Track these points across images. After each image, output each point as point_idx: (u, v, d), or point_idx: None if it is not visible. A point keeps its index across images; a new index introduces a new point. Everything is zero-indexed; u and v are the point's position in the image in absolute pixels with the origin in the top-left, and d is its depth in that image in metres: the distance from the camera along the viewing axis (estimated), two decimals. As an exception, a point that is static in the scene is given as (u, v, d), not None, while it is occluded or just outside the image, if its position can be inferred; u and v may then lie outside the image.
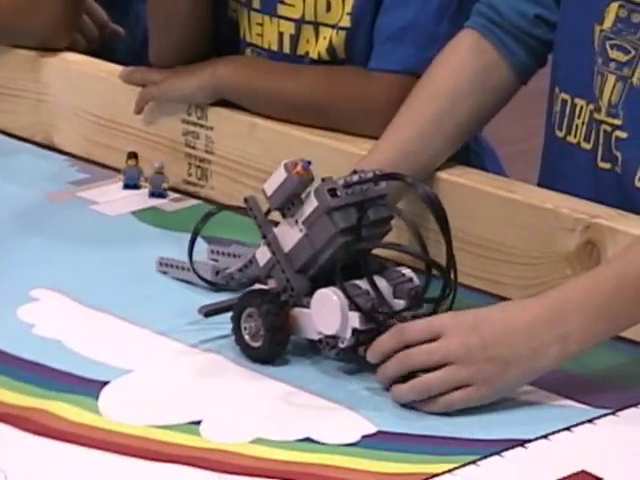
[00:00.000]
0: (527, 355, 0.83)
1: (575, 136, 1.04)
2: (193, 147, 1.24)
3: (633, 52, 0.98)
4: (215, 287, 1.00)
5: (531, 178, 1.14)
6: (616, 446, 0.81)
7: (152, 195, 1.23)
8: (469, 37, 1.08)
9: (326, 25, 1.17)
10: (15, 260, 1.08)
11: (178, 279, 1.03)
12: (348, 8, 1.16)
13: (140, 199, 1.23)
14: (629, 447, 0.81)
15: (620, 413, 0.85)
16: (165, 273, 1.04)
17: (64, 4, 1.36)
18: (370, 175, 0.90)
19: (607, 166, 1.01)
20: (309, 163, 0.90)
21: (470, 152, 1.20)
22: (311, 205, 0.89)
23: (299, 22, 1.18)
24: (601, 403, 0.86)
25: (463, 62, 1.07)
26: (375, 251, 0.94)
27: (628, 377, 0.91)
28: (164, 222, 1.18)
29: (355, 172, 0.90)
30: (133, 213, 1.20)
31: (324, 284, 0.88)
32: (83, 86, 1.34)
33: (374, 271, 0.89)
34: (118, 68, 1.32)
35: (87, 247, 1.12)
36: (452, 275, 0.88)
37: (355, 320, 0.86)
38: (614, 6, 0.98)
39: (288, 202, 0.90)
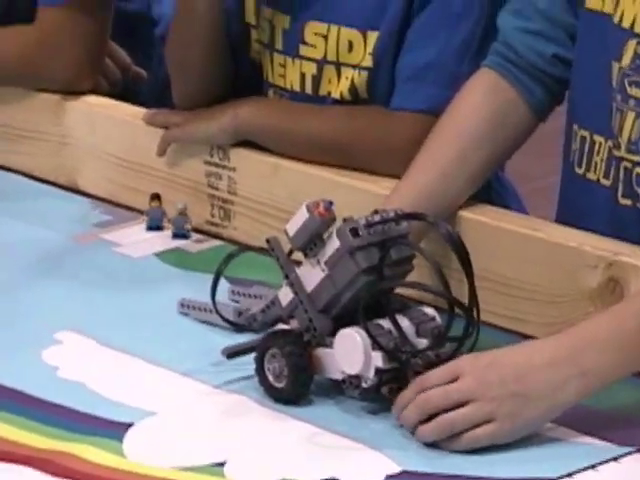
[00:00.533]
0: (547, 391, 0.83)
1: (595, 173, 1.04)
2: (216, 188, 1.25)
3: None
4: (237, 328, 1.01)
5: (549, 215, 1.14)
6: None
7: (175, 236, 1.24)
8: (487, 76, 1.09)
9: (348, 65, 1.18)
10: (39, 302, 1.09)
11: (200, 320, 1.03)
12: (370, 48, 1.17)
13: (163, 240, 1.23)
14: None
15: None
16: (187, 315, 1.05)
17: (87, 47, 1.37)
18: (392, 215, 0.90)
19: (628, 202, 1.00)
20: (331, 203, 0.91)
21: (491, 190, 1.21)
22: (333, 245, 0.89)
23: (321, 62, 1.19)
24: (624, 440, 0.85)
25: (482, 101, 1.08)
26: (397, 290, 0.94)
27: None
28: (187, 263, 1.18)
29: (376, 212, 0.91)
30: (156, 254, 1.21)
31: (347, 323, 0.88)
32: (106, 128, 1.36)
33: (396, 310, 0.90)
34: (141, 110, 1.33)
35: (110, 289, 1.12)
36: (474, 314, 0.88)
37: (378, 360, 0.86)
38: (632, 43, 0.99)
39: (310, 242, 0.91)
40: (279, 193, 1.18)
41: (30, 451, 0.83)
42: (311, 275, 0.91)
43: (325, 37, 1.19)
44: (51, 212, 1.33)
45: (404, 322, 0.89)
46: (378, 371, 0.86)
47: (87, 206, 1.34)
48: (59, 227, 1.27)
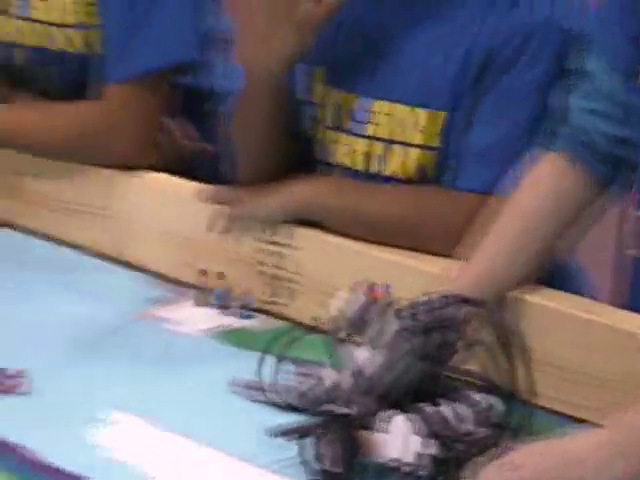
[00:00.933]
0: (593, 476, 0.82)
1: None
2: (277, 267, 1.24)
3: None
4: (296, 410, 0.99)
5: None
6: None
7: (233, 314, 1.23)
8: (557, 161, 1.09)
9: (410, 145, 1.19)
10: (89, 381, 1.08)
11: (255, 400, 1.02)
12: (436, 128, 1.17)
13: (219, 318, 1.23)
14: None
15: None
16: (241, 394, 1.03)
17: (148, 124, 1.39)
18: (449, 299, 0.90)
19: None
20: (388, 286, 0.91)
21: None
22: (391, 328, 0.88)
23: (388, 142, 1.20)
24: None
25: (550, 184, 1.09)
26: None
27: None
28: (244, 342, 1.17)
29: (433, 295, 0.91)
30: (210, 332, 1.20)
31: (401, 407, 0.87)
32: (160, 204, 1.37)
33: (447, 395, 0.89)
34: (196, 186, 1.34)
35: (163, 367, 1.11)
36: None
37: (432, 448, 0.84)
38: None
39: (365, 325, 0.90)
40: (341, 273, 1.16)
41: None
42: (367, 358, 0.90)
43: (389, 115, 1.20)
44: (102, 287, 1.33)
45: (462, 409, 0.88)
46: (434, 459, 0.85)
47: (139, 281, 1.35)
48: (110, 302, 1.27)
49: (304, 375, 1.03)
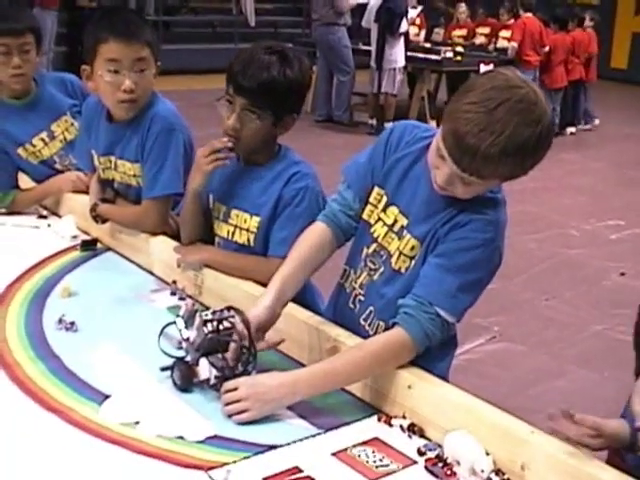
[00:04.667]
0: (275, 397, 1.76)
1: None
2: (196, 280, 2.38)
3: None
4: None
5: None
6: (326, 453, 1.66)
7: (180, 298, 2.35)
8: (319, 224, 2.03)
9: (247, 230, 2.34)
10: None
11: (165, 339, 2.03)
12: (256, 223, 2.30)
13: (173, 299, 2.39)
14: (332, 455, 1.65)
15: (328, 432, 1.74)
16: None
17: (164, 219, 2.71)
18: (230, 309, 1.87)
19: None
20: (194, 303, 1.90)
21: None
22: (198, 321, 1.86)
23: (235, 227, 2.42)
24: (321, 424, 1.76)
25: (314, 238, 2.02)
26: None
27: (339, 410, 1.80)
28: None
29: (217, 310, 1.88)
30: (166, 306, 2.33)
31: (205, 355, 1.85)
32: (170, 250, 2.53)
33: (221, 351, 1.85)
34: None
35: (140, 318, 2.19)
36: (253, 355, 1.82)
37: (213, 373, 1.83)
38: None
39: (192, 319, 1.90)
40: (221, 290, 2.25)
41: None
42: (193, 334, 1.89)
43: (237, 216, 2.32)
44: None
45: (228, 356, 1.85)
46: (216, 377, 1.83)
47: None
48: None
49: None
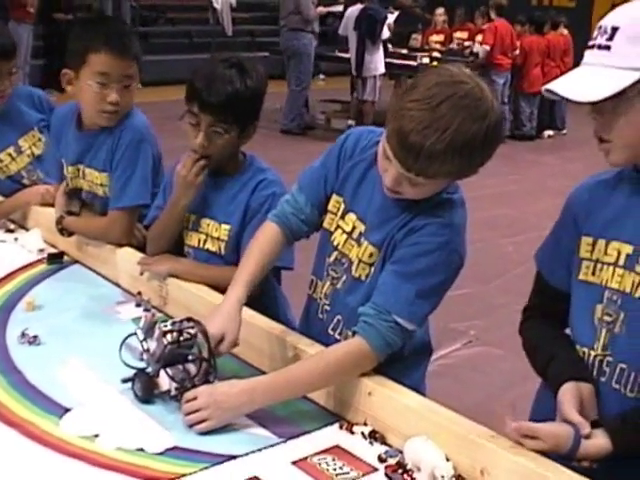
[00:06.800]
0: (233, 405, 1.75)
1: None
2: (161, 291, 2.34)
3: None
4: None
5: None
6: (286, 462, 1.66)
7: (144, 308, 2.32)
8: (271, 224, 2.03)
9: (218, 239, 2.37)
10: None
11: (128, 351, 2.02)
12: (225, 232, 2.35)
13: (137, 310, 2.34)
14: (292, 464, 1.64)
15: (289, 441, 1.74)
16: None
17: (130, 230, 2.69)
18: (184, 320, 1.86)
19: None
20: (154, 314, 1.89)
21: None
22: (157, 332, 1.86)
23: (206, 235, 2.46)
24: (280, 433, 1.75)
25: (268, 235, 2.02)
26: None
27: (300, 419, 1.79)
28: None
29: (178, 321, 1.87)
30: (132, 317, 2.29)
31: (165, 366, 1.85)
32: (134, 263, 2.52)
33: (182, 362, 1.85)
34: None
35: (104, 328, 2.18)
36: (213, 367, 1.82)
37: (173, 384, 1.82)
38: None
39: (151, 330, 1.89)
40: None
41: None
42: (154, 345, 1.88)
43: (208, 225, 2.34)
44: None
45: (189, 366, 1.84)
46: (176, 389, 1.83)
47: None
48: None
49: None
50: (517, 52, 11.21)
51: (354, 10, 10.33)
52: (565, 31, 11.91)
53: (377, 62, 10.39)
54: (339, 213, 1.95)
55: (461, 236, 1.81)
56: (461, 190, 1.85)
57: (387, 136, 1.71)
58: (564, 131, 12.04)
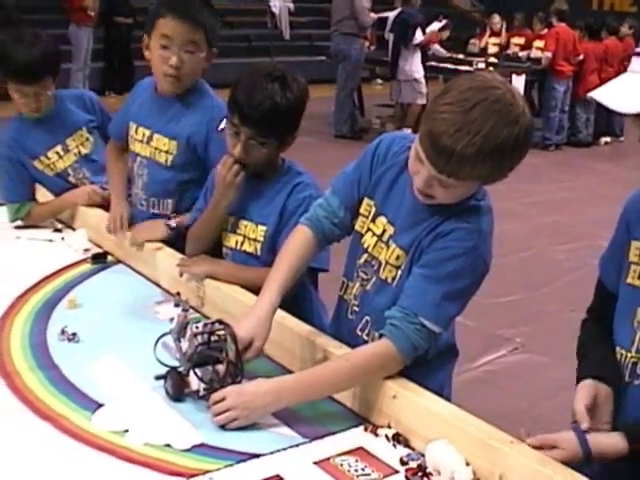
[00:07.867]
0: (261, 404, 1.79)
1: None
2: (199, 292, 2.46)
3: None
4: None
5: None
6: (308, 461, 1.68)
7: (183, 309, 2.35)
8: (303, 228, 2.06)
9: (255, 240, 2.39)
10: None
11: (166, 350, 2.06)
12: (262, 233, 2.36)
13: (175, 310, 2.40)
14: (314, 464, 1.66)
15: (314, 442, 1.77)
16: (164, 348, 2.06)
17: None
18: (215, 323, 1.90)
19: None
20: (187, 313, 1.93)
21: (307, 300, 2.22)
22: (189, 332, 1.90)
23: (243, 237, 2.46)
24: (306, 434, 1.78)
25: (299, 239, 2.05)
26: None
27: (326, 419, 1.82)
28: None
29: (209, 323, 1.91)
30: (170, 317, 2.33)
31: (195, 367, 1.88)
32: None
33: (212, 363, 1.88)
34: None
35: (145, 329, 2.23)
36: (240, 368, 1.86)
37: (201, 385, 1.86)
38: None
39: (184, 330, 1.93)
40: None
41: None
42: (185, 343, 1.92)
43: (245, 226, 2.37)
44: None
45: (218, 368, 1.88)
46: (204, 389, 1.86)
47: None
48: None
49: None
50: (581, 57, 11.06)
51: (393, 13, 10.36)
52: (629, 36, 11.69)
53: (412, 65, 10.35)
54: (370, 216, 1.97)
55: (487, 242, 1.82)
56: (488, 197, 1.87)
57: (420, 138, 1.74)
58: (621, 138, 11.88)
